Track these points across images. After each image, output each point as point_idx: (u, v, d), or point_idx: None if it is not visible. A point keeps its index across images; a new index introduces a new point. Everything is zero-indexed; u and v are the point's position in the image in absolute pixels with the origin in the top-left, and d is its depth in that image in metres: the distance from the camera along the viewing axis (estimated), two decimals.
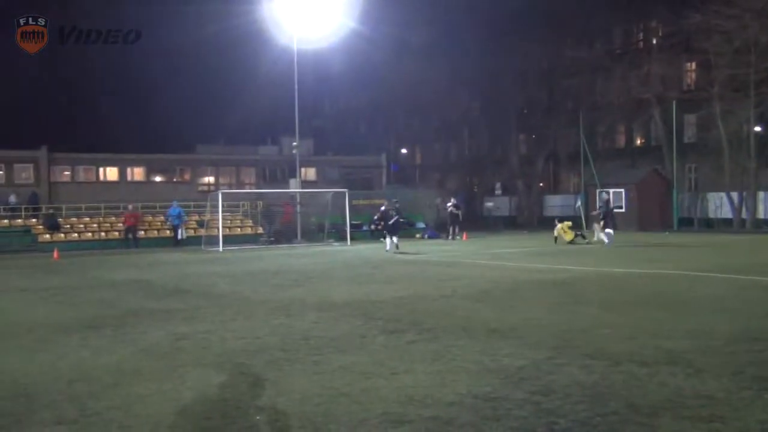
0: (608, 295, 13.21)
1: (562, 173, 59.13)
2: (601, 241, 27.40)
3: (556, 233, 29.33)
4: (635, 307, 11.58)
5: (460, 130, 63.03)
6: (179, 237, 35.26)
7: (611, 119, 50.85)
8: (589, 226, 40.40)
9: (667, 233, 36.29)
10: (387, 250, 26.63)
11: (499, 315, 11.00)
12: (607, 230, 27.22)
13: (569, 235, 28.99)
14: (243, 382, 7.20)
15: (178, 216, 35.83)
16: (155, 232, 37.79)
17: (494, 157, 59.17)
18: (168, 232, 36.93)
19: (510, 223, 50.19)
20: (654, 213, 41.75)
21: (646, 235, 34.34)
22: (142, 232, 36.43)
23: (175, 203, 36.66)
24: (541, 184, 57.93)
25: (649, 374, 7.03)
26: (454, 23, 53.55)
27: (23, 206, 40.75)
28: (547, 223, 45.72)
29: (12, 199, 42.34)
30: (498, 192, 60.51)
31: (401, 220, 29.95)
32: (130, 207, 36.98)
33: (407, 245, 29.78)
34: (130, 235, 34.69)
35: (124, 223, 35.66)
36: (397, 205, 29.72)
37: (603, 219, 27.92)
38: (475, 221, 47.83)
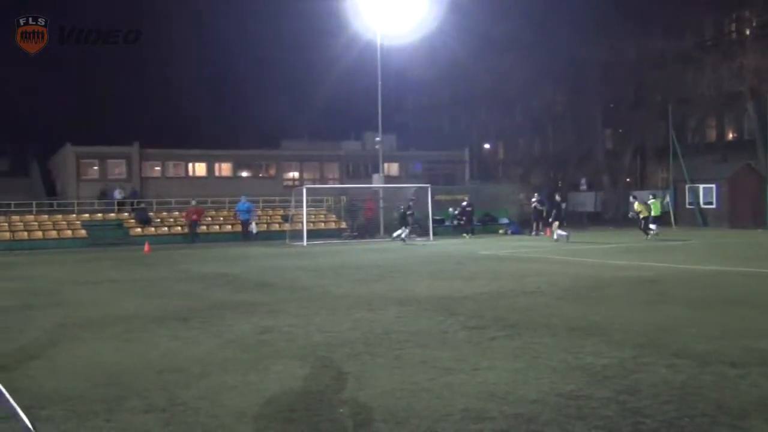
0: (696, 293, 12.86)
1: (649, 168, 57.69)
2: (560, 239, 28.10)
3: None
4: (724, 306, 11.25)
5: (544, 124, 62.10)
6: (252, 231, 35.67)
7: (702, 113, 49.36)
8: (677, 222, 39.45)
9: (760, 231, 35.04)
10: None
11: (583, 312, 10.84)
12: (559, 231, 28.42)
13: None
14: (326, 375, 7.30)
15: (247, 210, 36.29)
16: (229, 226, 38.57)
17: (579, 152, 58.11)
18: (230, 226, 37.76)
19: (595, 219, 49.29)
20: (746, 209, 40.33)
21: (737, 233, 33.26)
22: (204, 227, 37.27)
23: (243, 198, 37.13)
24: (627, 180, 56.65)
25: (739, 375, 6.82)
26: (539, 15, 52.78)
27: (128, 200, 42.16)
28: (634, 220, 44.85)
29: (117, 194, 43.76)
30: (583, 187, 59.47)
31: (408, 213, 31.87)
32: (193, 202, 37.72)
33: (490, 241, 29.61)
34: (194, 230, 35.42)
35: (185, 218, 36.36)
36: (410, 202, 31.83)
37: (555, 219, 29.05)
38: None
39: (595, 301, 12.04)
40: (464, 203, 36.50)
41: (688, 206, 42.39)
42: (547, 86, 56.11)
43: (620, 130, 56.99)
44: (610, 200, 54.02)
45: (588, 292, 13.22)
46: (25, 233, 35.31)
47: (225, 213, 41.43)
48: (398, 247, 28.03)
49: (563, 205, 30.14)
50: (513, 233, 35.84)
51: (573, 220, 45.38)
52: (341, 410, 6.02)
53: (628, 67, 50.89)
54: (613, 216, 49.91)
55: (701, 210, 41.69)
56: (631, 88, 52.95)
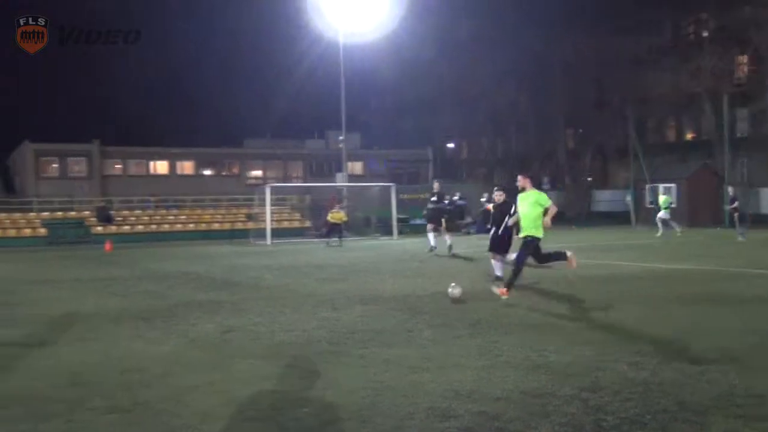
0: (657, 291, 13.02)
1: (610, 168, 58.40)
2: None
3: None
4: (684, 304, 11.41)
5: (508, 124, 62.55)
6: None
7: (661, 113, 50.07)
8: (638, 221, 39.97)
9: (718, 229, 35.62)
10: None
11: (547, 311, 10.93)
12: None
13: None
14: (291, 375, 7.27)
15: None
16: (192, 225, 38.30)
17: (542, 152, 58.62)
18: (193, 225, 37.36)
19: (557, 218, 49.69)
20: (705, 209, 41.01)
21: (696, 231, 33.75)
22: (167, 225, 36.94)
23: None
24: (589, 179, 57.28)
25: (700, 372, 6.92)
26: (502, 14, 53.15)
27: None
28: (596, 219, 45.34)
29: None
30: (546, 186, 60.02)
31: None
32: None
33: (454, 240, 29.67)
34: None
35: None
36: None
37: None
38: None
39: (558, 300, 12.15)
40: (455, 197, 36.80)
41: (648, 205, 42.94)
42: (510, 85, 56.48)
43: (581, 130, 57.63)
44: (571, 199, 54.58)
45: (552, 291, 13.32)
46: None
47: (188, 211, 41.13)
48: (362, 246, 28.01)
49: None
50: (477, 232, 36.03)
51: None
52: (306, 409, 6.00)
53: (589, 67, 51.46)
54: (576, 215, 50.42)
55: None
56: (591, 88, 53.54)
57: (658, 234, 29.77)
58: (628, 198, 42.70)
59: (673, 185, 41.72)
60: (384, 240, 32.17)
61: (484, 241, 19.12)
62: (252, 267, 19.59)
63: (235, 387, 6.76)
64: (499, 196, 15.29)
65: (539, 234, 12.27)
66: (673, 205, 32.21)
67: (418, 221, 38.03)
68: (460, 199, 37.70)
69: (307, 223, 38.65)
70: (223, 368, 7.54)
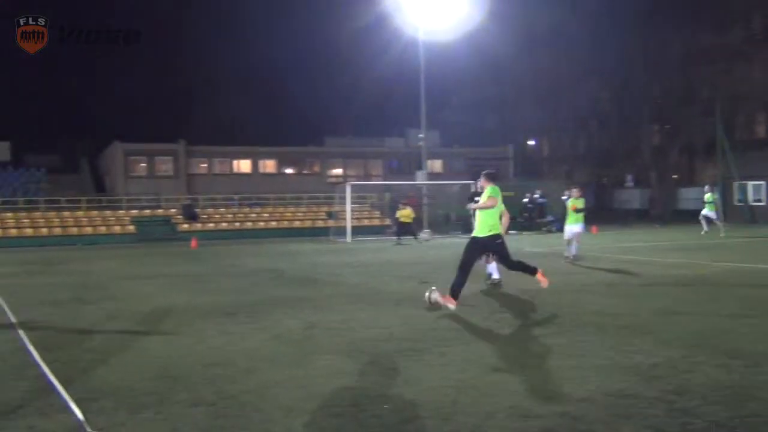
0: (749, 292, 12.62)
1: (697, 165, 56.79)
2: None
3: None
4: None
5: (590, 120, 61.44)
6: None
7: (751, 108, 48.40)
8: (727, 218, 38.79)
9: None
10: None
11: (631, 310, 10.71)
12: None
13: None
14: (371, 371, 7.32)
15: None
16: (274, 222, 38.87)
17: (625, 149, 57.37)
18: (275, 222, 37.80)
19: (642, 217, 48.67)
20: None
21: None
22: (250, 223, 37.47)
23: None
24: (674, 176, 55.82)
25: None
26: (585, 10, 52.19)
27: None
28: (682, 217, 44.18)
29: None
30: (629, 184, 58.80)
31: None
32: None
33: (536, 238, 29.40)
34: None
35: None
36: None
37: None
38: (604, 214, 46.64)
39: (643, 299, 11.89)
40: (536, 195, 36.53)
41: (737, 203, 41.65)
42: (593, 82, 55.44)
43: (667, 126, 56.16)
44: (656, 197, 53.29)
45: (636, 290, 13.06)
46: (76, 229, 36.06)
47: (270, 209, 41.79)
48: (442, 244, 27.97)
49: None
50: (558, 230, 35.57)
51: (619, 218, 44.94)
52: (386, 406, 6.04)
53: (675, 63, 50.09)
54: (661, 213, 49.23)
55: (750, 207, 40.93)
56: (678, 84, 52.08)
57: (702, 232, 28.86)
58: (716, 196, 41.50)
59: (762, 182, 40.38)
60: (464, 238, 32.00)
61: (563, 238, 18.93)
62: (332, 264, 19.79)
63: (316, 382, 6.84)
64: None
65: (480, 233, 11.45)
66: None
67: None
68: (541, 197, 37.31)
69: (387, 221, 38.77)
70: (305, 364, 7.64)
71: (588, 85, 55.55)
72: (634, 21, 49.55)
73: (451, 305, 10.86)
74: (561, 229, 34.82)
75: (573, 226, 18.75)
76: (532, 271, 11.92)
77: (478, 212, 11.53)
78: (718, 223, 29.30)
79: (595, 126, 61.81)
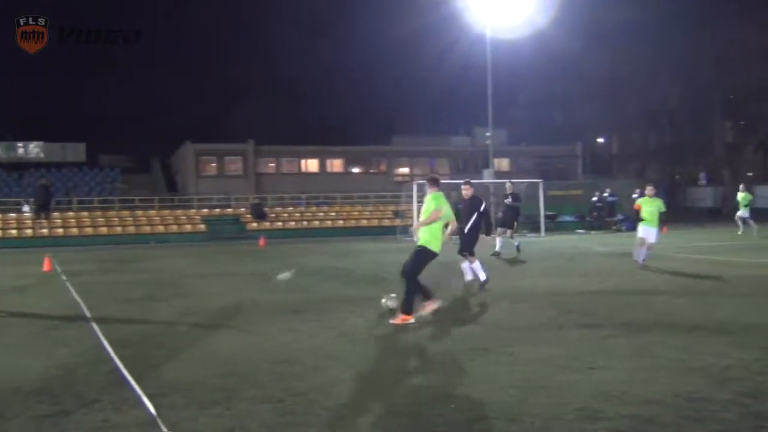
0: None
1: None
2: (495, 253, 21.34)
3: None
4: None
5: (661, 117, 60.13)
6: None
7: None
8: None
9: None
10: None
11: (704, 311, 10.47)
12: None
13: None
14: (438, 370, 7.32)
15: None
16: (341, 221, 39.10)
17: (698, 146, 56.01)
18: (342, 221, 37.92)
19: (715, 215, 47.47)
20: None
21: None
22: (317, 222, 37.68)
23: None
24: (749, 174, 54.27)
25: None
26: (654, 4, 51.12)
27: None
28: (758, 215, 42.91)
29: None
30: (702, 182, 57.41)
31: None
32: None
33: (605, 237, 28.94)
34: None
35: None
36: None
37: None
38: (676, 213, 45.63)
39: (717, 300, 11.60)
40: (605, 194, 36.04)
41: None
42: (664, 77, 54.25)
43: (741, 122, 54.61)
44: (731, 195, 51.90)
45: (710, 291, 12.75)
46: (148, 227, 36.88)
47: (337, 208, 42.08)
48: (509, 244, 27.73)
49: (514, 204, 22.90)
50: (628, 229, 34.95)
51: (692, 217, 43.90)
52: (453, 405, 6.03)
53: (750, 56, 48.64)
54: (735, 212, 47.91)
55: None
56: (754, 78, 50.56)
57: (739, 232, 28.05)
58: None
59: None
60: (531, 237, 31.72)
61: (633, 238, 18.54)
62: (399, 263, 19.72)
63: (383, 380, 6.87)
64: (466, 190, 14.35)
65: (433, 247, 10.48)
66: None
67: (567, 218, 37.48)
68: (610, 195, 36.74)
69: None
70: (371, 362, 7.68)
71: (658, 81, 54.40)
72: (704, 14, 48.32)
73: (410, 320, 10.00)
74: (631, 228, 34.38)
75: (644, 228, 16.97)
76: (424, 295, 10.50)
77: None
78: (751, 223, 28.52)
79: (666, 122, 60.49)
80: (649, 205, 17.07)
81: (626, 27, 51.76)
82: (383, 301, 10.87)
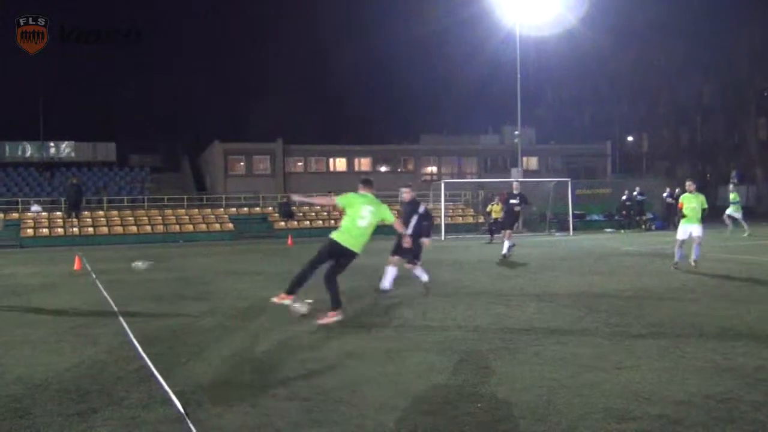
0: None
1: None
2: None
3: None
4: None
5: (692, 115, 59.49)
6: None
7: None
8: None
9: None
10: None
11: (735, 312, 10.34)
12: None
13: None
14: (464, 369, 7.29)
15: None
16: None
17: (730, 144, 55.36)
18: None
19: (748, 214, 46.83)
20: None
21: None
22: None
23: None
24: None
25: None
26: (685, 1, 50.60)
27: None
28: None
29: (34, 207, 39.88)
30: (734, 180, 56.73)
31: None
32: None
33: (634, 236, 28.69)
34: None
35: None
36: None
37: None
38: (708, 211, 45.06)
39: (748, 301, 11.45)
40: (635, 192, 35.79)
41: None
42: (695, 74, 53.71)
43: None
44: (764, 194, 51.23)
45: (740, 291, 12.60)
46: (177, 226, 37.16)
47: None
48: (537, 242, 27.61)
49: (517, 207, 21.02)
50: (657, 228, 34.65)
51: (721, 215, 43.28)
52: (479, 405, 6.00)
53: None
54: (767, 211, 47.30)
55: None
56: None
57: (728, 233, 27.81)
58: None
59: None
60: (560, 236, 31.55)
61: (662, 237, 18.38)
62: (425, 262, 19.71)
63: (408, 379, 6.86)
64: (406, 194, 13.89)
65: (355, 247, 10.27)
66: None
67: (595, 217, 37.24)
68: (640, 194, 36.43)
69: (481, 219, 38.53)
70: (397, 361, 7.67)
71: (690, 79, 53.88)
72: (737, 10, 47.74)
73: (338, 317, 10.00)
74: (661, 227, 34.09)
75: (686, 227, 16.49)
76: (334, 303, 10.14)
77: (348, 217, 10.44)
78: (743, 222, 28.42)
79: (697, 120, 59.85)
80: (690, 201, 16.70)
81: (657, 24, 51.38)
82: (294, 305, 10.30)
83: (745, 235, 27.06)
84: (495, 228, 29.02)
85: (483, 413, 5.79)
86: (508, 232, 20.25)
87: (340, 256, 10.15)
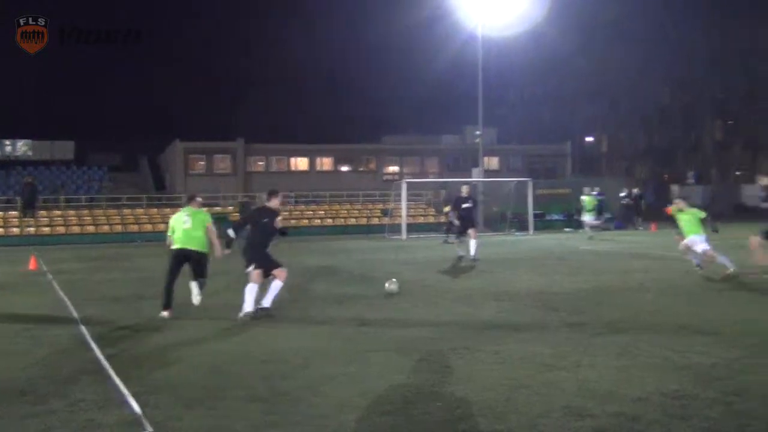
0: None
1: (762, 161, 55.37)
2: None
3: None
4: None
5: (650, 116, 60.32)
6: None
7: None
8: None
9: None
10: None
11: (690, 310, 10.51)
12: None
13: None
14: (424, 369, 7.31)
15: None
16: (330, 220, 39.08)
17: (687, 145, 56.24)
18: (331, 220, 37.83)
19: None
20: None
21: None
22: (306, 221, 37.57)
23: None
24: (738, 173, 54.51)
25: None
26: (645, 4, 51.28)
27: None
28: (745, 214, 43.09)
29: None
30: (691, 181, 57.64)
31: None
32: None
33: (593, 236, 29.00)
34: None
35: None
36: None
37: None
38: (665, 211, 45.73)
39: (704, 299, 11.65)
40: (594, 192, 35.97)
41: None
42: (654, 77, 54.47)
43: (731, 122, 54.89)
44: (719, 194, 52.12)
45: (697, 290, 12.79)
46: (136, 226, 36.72)
47: (326, 206, 42.04)
48: (497, 242, 27.79)
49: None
50: (616, 228, 35.03)
51: None
52: (439, 404, 6.02)
53: (740, 57, 48.88)
54: (723, 210, 48.10)
55: None
56: (742, 79, 50.79)
57: (588, 237, 27.82)
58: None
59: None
60: (520, 236, 31.77)
61: (620, 237, 18.61)
62: (387, 262, 19.80)
63: (370, 379, 6.86)
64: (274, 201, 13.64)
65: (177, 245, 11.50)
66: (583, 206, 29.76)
67: (555, 217, 37.53)
68: (599, 194, 36.73)
69: (442, 219, 38.65)
70: (358, 360, 7.67)
71: (648, 81, 54.63)
72: (696, 15, 48.52)
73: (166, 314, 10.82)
74: (620, 227, 34.47)
75: (690, 239, 15.11)
76: (164, 303, 11.14)
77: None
78: (588, 229, 28.82)
79: (655, 122, 60.70)
80: (681, 218, 15.56)
81: (617, 27, 51.98)
82: (386, 285, 12.65)
83: (587, 237, 27.57)
84: (453, 229, 29.11)
85: (443, 412, 5.81)
86: (472, 231, 19.94)
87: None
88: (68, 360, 7.99)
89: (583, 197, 29.99)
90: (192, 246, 11.38)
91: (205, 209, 12.68)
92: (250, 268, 10.84)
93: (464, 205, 19.79)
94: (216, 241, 11.63)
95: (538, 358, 7.58)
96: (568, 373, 6.92)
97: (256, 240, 11.02)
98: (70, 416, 5.91)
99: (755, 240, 13.79)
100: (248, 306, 10.54)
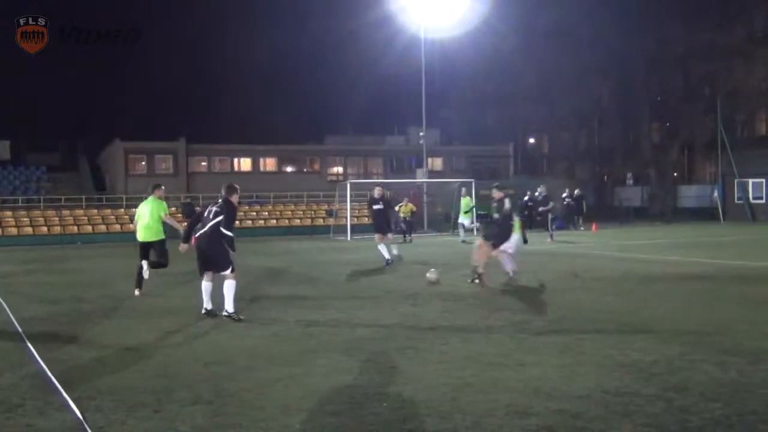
0: (747, 289, 12.61)
1: (697, 163, 56.74)
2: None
3: None
4: None
5: (590, 118, 61.30)
6: None
7: (752, 106, 48.34)
8: (726, 217, 38.73)
9: None
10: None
11: (631, 309, 10.72)
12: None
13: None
14: (370, 369, 7.32)
15: None
16: (274, 221, 38.88)
17: (625, 146, 57.28)
18: (275, 221, 37.70)
19: (642, 214, 48.63)
20: None
21: None
22: (250, 222, 37.26)
23: None
24: (675, 174, 55.75)
25: None
26: (585, 7, 52.08)
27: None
28: (682, 215, 44.21)
29: None
30: (630, 182, 58.75)
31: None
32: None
33: (534, 236, 29.37)
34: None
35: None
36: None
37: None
38: (605, 212, 46.60)
39: (643, 298, 11.89)
40: (536, 193, 36.25)
41: (737, 201, 41.65)
42: (594, 79, 55.34)
43: (668, 124, 56.09)
44: (657, 195, 53.25)
45: (636, 288, 13.06)
46: (75, 227, 36.02)
47: (270, 207, 41.82)
48: (441, 243, 27.97)
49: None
50: (558, 228, 35.51)
51: (619, 215, 44.88)
52: (385, 404, 6.04)
53: (676, 60, 49.98)
54: (661, 211, 49.17)
55: (750, 205, 40.94)
56: (679, 81, 51.95)
57: (461, 240, 28.05)
58: (716, 194, 41.44)
59: (762, 180, 40.38)
60: (464, 236, 32.00)
61: (563, 237, 18.89)
62: (332, 263, 19.78)
63: (315, 380, 6.85)
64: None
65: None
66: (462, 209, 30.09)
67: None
68: (543, 195, 37.17)
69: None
70: (304, 362, 7.64)
71: (588, 83, 55.48)
72: (634, 18, 49.47)
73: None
74: (561, 227, 34.97)
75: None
76: (136, 283, 13.80)
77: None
78: (462, 232, 29.18)
79: (595, 123, 61.72)
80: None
81: (558, 28, 52.68)
82: (427, 275, 14.04)
83: (460, 241, 27.74)
84: (406, 228, 29.39)
85: (389, 412, 5.82)
86: (378, 235, 19.06)
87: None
88: (6, 364, 7.80)
89: (463, 199, 29.93)
90: (150, 238, 13.80)
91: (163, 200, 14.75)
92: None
93: (375, 207, 19.52)
94: (179, 227, 13.37)
95: (483, 357, 7.65)
96: (513, 372, 7.00)
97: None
98: (6, 422, 5.77)
99: (480, 243, 14.44)
100: (206, 304, 10.94)
